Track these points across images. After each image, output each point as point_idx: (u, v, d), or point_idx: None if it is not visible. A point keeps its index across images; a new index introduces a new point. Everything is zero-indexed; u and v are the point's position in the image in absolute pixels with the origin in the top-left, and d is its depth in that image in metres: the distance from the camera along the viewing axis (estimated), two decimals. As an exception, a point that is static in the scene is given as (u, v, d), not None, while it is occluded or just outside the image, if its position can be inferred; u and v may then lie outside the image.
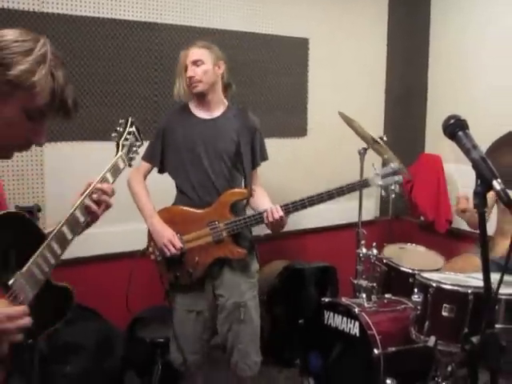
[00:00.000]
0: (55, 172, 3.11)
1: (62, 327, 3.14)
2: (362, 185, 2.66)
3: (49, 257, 1.37)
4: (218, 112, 2.66)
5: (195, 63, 2.58)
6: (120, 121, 1.86)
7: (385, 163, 2.81)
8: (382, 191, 2.71)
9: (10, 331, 1.21)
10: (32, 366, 1.39)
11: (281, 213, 2.51)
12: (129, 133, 1.82)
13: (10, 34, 1.25)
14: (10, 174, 3.00)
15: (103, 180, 1.60)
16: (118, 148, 1.76)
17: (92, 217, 1.55)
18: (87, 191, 1.53)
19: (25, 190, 3.05)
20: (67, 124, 3.11)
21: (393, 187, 2.66)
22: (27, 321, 1.24)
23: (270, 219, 2.51)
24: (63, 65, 1.31)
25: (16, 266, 1.30)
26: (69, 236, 1.44)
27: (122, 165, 1.72)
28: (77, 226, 1.48)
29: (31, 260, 1.32)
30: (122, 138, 1.79)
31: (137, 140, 1.85)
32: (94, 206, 1.52)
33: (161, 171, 2.73)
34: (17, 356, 1.29)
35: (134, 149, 1.84)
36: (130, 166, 1.80)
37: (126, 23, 3.24)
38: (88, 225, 1.58)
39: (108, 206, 1.59)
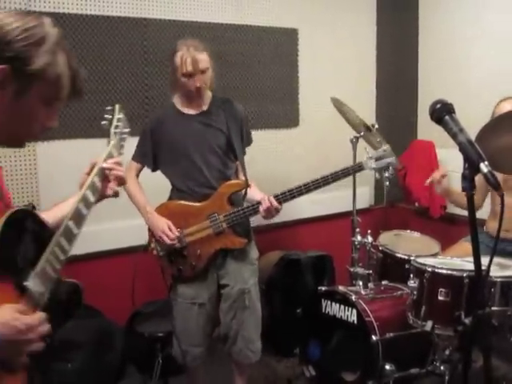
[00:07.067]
0: (48, 170, 3.11)
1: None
2: (356, 169, 2.65)
3: (58, 253, 1.30)
4: (204, 106, 2.63)
5: (203, 72, 2.49)
6: (107, 108, 1.77)
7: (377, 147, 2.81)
8: (376, 174, 2.70)
9: (33, 341, 1.17)
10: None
11: (274, 201, 2.53)
12: (118, 120, 1.74)
13: (12, 21, 1.18)
14: (3, 173, 2.98)
15: (108, 157, 1.58)
16: (110, 136, 1.70)
17: (101, 194, 1.53)
18: (94, 171, 1.50)
19: (19, 190, 3.05)
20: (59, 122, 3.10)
21: (386, 171, 2.66)
22: (46, 328, 1.21)
23: (265, 207, 2.53)
24: (66, 40, 1.28)
25: (28, 264, 1.24)
26: (75, 230, 1.37)
27: (115, 153, 1.66)
28: (82, 218, 1.40)
29: (43, 258, 1.26)
30: (113, 126, 1.72)
31: (125, 127, 1.77)
32: (105, 186, 1.53)
33: (154, 170, 2.72)
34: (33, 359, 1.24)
35: (124, 136, 1.76)
36: (120, 154, 1.73)
37: (114, 19, 3.23)
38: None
39: (122, 180, 1.58)
